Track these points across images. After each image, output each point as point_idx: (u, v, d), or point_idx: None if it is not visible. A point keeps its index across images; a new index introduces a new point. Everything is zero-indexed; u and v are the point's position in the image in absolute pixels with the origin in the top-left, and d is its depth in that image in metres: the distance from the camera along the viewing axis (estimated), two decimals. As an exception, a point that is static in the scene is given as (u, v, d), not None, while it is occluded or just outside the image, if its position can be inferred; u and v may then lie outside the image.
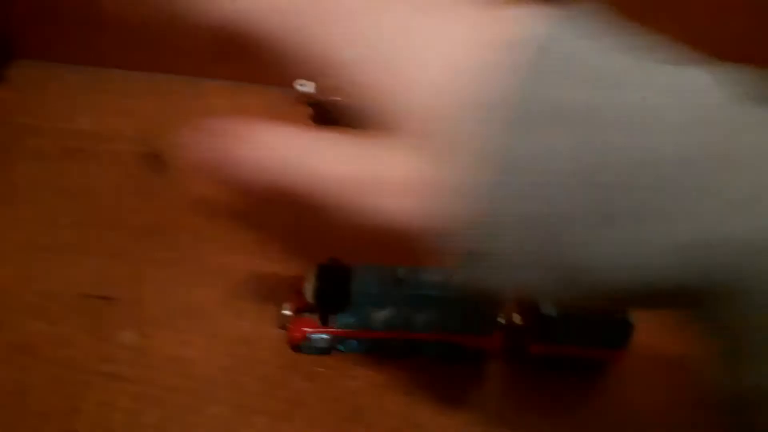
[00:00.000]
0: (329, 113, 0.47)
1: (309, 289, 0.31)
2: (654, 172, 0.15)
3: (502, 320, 0.33)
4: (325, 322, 0.32)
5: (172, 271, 0.36)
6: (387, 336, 0.32)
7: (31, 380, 0.30)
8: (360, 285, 0.31)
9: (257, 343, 0.33)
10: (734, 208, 0.15)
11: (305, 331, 0.32)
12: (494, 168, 0.16)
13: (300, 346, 0.32)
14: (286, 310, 0.32)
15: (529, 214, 0.16)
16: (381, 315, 0.32)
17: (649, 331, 0.36)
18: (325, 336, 0.32)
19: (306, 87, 0.47)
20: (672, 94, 0.16)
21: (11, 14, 0.48)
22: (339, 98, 0.46)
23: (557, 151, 0.16)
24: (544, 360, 0.33)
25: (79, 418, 0.29)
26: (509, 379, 0.33)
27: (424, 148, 0.18)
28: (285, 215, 0.40)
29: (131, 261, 0.36)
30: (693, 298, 0.16)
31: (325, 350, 0.32)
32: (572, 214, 0.16)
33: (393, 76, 0.18)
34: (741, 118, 0.16)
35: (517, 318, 0.33)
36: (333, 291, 0.31)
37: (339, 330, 0.32)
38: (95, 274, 0.35)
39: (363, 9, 0.19)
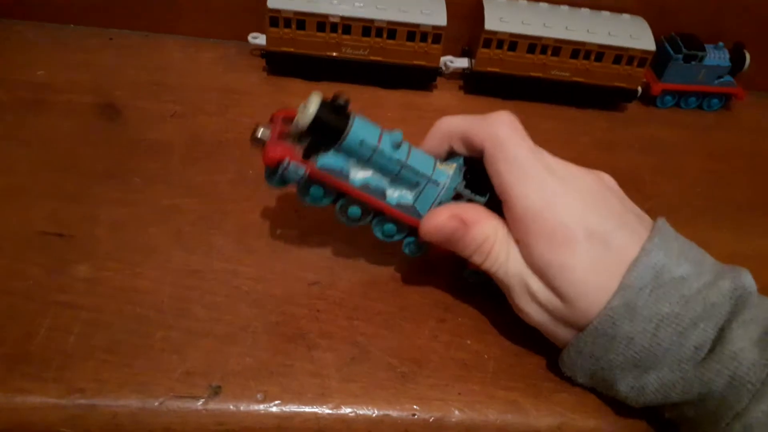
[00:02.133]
0: (282, 64, 0.49)
1: (307, 116, 0.29)
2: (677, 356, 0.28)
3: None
4: (307, 157, 0.31)
5: (125, 211, 0.37)
6: (356, 195, 0.32)
7: (-14, 309, 0.32)
8: (359, 132, 0.31)
9: (205, 275, 0.35)
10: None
11: (284, 156, 0.30)
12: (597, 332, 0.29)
13: (273, 171, 0.31)
14: (261, 131, 0.31)
15: (593, 366, 0.30)
16: (361, 173, 0.32)
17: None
18: (302, 170, 0.31)
19: (259, 39, 0.49)
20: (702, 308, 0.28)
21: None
22: (291, 49, 0.48)
23: (629, 337, 0.28)
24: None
25: (33, 341, 0.30)
26: (442, 310, 0.35)
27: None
28: (234, 163, 0.42)
29: (86, 202, 0.38)
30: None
31: (292, 184, 0.32)
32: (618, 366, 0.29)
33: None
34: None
35: None
36: (331, 125, 0.30)
37: (318, 170, 0.31)
38: (51, 214, 0.36)
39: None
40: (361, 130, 0.31)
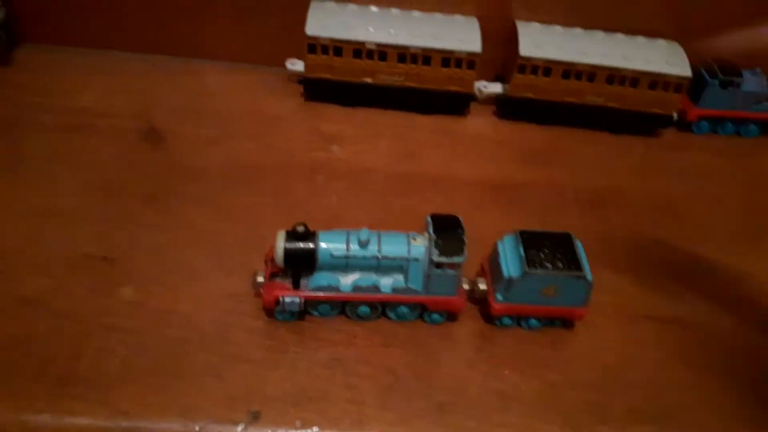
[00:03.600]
0: (318, 90, 0.50)
1: (278, 253, 0.33)
2: None
3: (466, 285, 0.35)
4: (297, 285, 0.34)
5: (166, 235, 0.38)
6: (356, 299, 0.34)
7: (36, 330, 0.32)
8: (327, 248, 0.33)
9: (246, 299, 0.35)
10: None
11: (278, 294, 0.33)
12: None
13: (274, 310, 0.34)
14: (260, 277, 0.34)
15: None
16: (350, 278, 0.34)
17: (611, 289, 0.38)
18: (297, 299, 0.33)
19: (297, 66, 0.50)
20: None
21: (18, 0, 0.50)
22: (328, 75, 0.49)
23: None
24: (508, 319, 0.35)
25: (80, 363, 0.31)
26: (479, 339, 0.35)
27: None
28: (271, 187, 0.43)
29: (129, 226, 0.38)
30: None
31: (299, 314, 0.34)
32: None
33: None
34: None
35: (482, 281, 0.35)
36: (300, 253, 0.33)
37: (310, 293, 0.34)
38: (96, 237, 0.38)
39: None
40: (327, 244, 0.33)
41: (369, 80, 0.49)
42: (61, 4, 0.51)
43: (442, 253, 0.33)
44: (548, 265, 0.33)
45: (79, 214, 0.39)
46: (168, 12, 0.51)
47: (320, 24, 0.47)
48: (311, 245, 0.33)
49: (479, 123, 0.51)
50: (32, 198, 0.39)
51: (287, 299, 0.33)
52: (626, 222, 0.44)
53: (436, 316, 0.35)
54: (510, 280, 0.33)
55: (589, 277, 0.33)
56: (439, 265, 0.33)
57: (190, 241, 0.38)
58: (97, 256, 0.36)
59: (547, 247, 0.34)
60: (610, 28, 0.51)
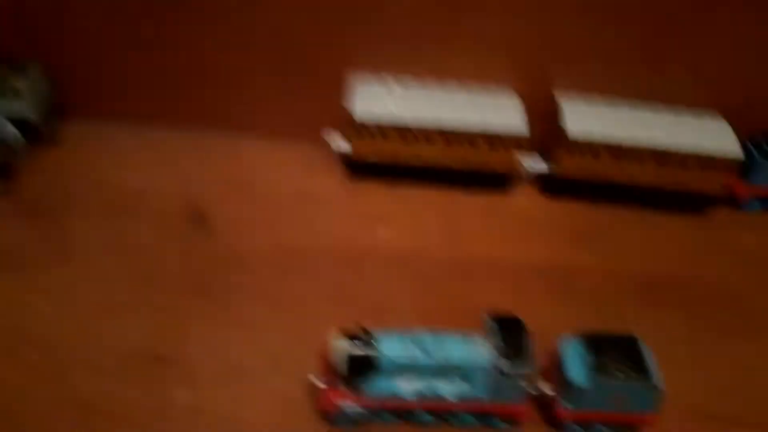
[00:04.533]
0: (363, 170, 0.49)
1: (339, 360, 0.32)
2: None
3: (532, 390, 0.34)
4: (357, 392, 0.32)
5: (219, 331, 0.37)
6: (418, 406, 0.33)
7: (90, 436, 0.32)
8: (388, 352, 0.32)
9: (304, 403, 0.34)
10: None
11: (338, 401, 0.32)
12: None
13: (334, 417, 0.33)
14: (317, 381, 0.33)
15: None
16: (411, 385, 0.32)
17: (671, 386, 0.37)
18: (357, 407, 0.32)
19: (342, 147, 0.50)
20: None
21: (63, 77, 0.50)
22: (375, 159, 0.49)
23: None
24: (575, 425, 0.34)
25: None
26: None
27: None
28: (319, 275, 0.42)
29: (180, 320, 0.38)
30: None
31: (360, 421, 0.33)
32: None
33: None
34: None
35: (546, 386, 0.34)
36: (361, 358, 0.32)
37: (370, 400, 0.32)
38: (148, 332, 0.37)
39: None
40: (390, 350, 0.32)
41: (414, 161, 0.48)
42: (106, 78, 0.51)
43: (509, 362, 0.32)
44: (616, 372, 0.32)
45: (130, 308, 0.38)
46: (208, 86, 0.51)
47: (368, 108, 0.47)
48: (373, 352, 0.32)
49: (524, 201, 0.50)
50: (82, 291, 0.39)
51: (348, 406, 0.32)
52: (683, 312, 0.42)
53: (500, 423, 0.34)
54: (577, 389, 0.32)
55: (660, 385, 0.32)
56: (506, 374, 0.32)
57: (243, 338, 0.37)
58: (150, 355, 0.36)
59: (613, 351, 0.33)
60: (650, 98, 0.51)
